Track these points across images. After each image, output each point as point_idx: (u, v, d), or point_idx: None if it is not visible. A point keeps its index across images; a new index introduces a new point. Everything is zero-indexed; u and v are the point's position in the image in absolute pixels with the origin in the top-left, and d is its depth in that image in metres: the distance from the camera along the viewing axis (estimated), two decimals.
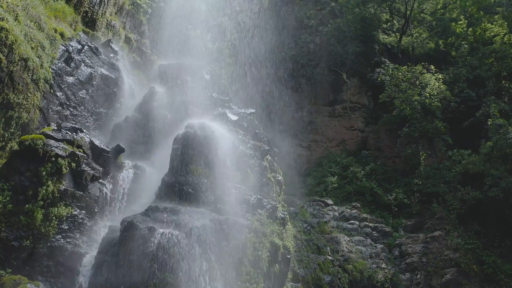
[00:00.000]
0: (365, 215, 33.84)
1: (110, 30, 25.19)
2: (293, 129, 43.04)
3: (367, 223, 32.80)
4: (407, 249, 29.78)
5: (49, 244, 15.28)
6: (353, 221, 32.87)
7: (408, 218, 33.12)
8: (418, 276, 27.91)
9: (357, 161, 39.17)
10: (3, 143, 16.85)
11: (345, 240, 29.60)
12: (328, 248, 28.25)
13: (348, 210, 34.39)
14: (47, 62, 19.01)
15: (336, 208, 34.83)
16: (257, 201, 18.32)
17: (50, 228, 15.41)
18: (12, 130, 17.13)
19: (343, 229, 31.79)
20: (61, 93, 19.84)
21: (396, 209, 33.97)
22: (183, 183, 16.53)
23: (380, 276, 27.28)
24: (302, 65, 44.02)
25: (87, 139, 17.87)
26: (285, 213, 21.48)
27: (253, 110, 23.83)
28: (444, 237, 29.45)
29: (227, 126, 19.69)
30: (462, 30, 43.75)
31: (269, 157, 22.30)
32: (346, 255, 27.99)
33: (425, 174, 34.35)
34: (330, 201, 35.50)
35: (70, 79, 20.45)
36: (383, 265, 28.32)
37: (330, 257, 27.16)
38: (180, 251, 14.25)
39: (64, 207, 15.90)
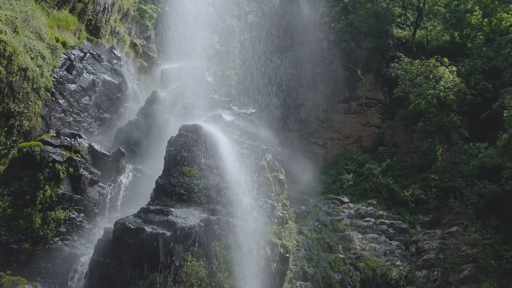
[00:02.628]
0: (381, 212, 33.51)
1: (115, 36, 25.77)
2: (308, 128, 42.98)
3: (383, 220, 32.47)
4: (423, 245, 29.40)
5: (47, 246, 15.84)
6: (368, 218, 32.61)
7: (425, 214, 32.66)
8: (435, 272, 27.53)
9: (373, 158, 38.82)
10: (6, 150, 17.55)
11: (358, 238, 29.34)
12: (340, 246, 28.07)
13: (364, 207, 34.13)
14: (48, 71, 19.64)
15: (352, 205, 34.63)
16: (253, 200, 18.43)
17: (48, 231, 15.95)
18: (14, 138, 17.80)
19: (357, 226, 31.54)
20: (63, 100, 20.48)
21: (413, 205, 33.55)
22: (176, 184, 16.80)
23: (394, 273, 26.98)
24: (316, 62, 43.82)
25: (86, 144, 18.37)
26: (284, 212, 21.49)
27: (254, 110, 23.90)
28: (462, 233, 28.93)
29: (221, 127, 19.88)
30: (477, 21, 42.57)
31: (270, 157, 22.33)
32: (358, 253, 27.75)
33: (442, 168, 33.75)
34: (346, 199, 35.28)
35: (72, 87, 21.07)
36: (398, 262, 28.00)
37: (341, 255, 26.99)
38: (168, 251, 14.53)
39: (62, 211, 16.43)
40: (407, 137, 39.01)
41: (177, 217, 15.40)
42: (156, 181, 17.19)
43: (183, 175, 17.05)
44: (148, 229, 14.77)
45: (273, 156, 23.05)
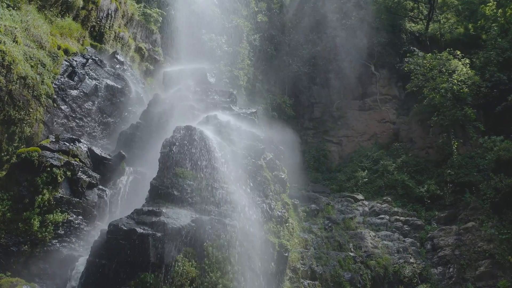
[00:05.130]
0: (396, 209, 33.08)
1: (119, 41, 26.21)
2: (323, 125, 42.83)
3: (397, 217, 32.06)
4: (439, 242, 28.95)
5: (45, 248, 16.28)
6: (383, 216, 32.24)
7: (441, 210, 32.17)
8: (451, 269, 27.08)
9: (388, 154, 38.41)
10: (8, 156, 18.13)
11: (370, 236, 29.02)
12: (351, 244, 27.82)
13: (378, 204, 33.76)
14: (49, 78, 20.16)
15: (366, 203, 34.30)
16: (249, 200, 18.44)
17: (46, 233, 16.39)
18: (16, 144, 18.38)
19: (370, 224, 31.23)
20: (65, 106, 20.97)
21: (429, 201, 33.09)
22: (169, 185, 17.01)
23: (407, 271, 26.63)
24: (329, 60, 43.62)
25: (85, 149, 18.77)
26: (284, 211, 21.40)
27: (254, 110, 23.88)
28: (478, 228, 28.33)
29: (217, 128, 19.95)
30: (491, 12, 41.36)
31: (271, 156, 22.26)
32: (369, 251, 27.44)
33: (457, 163, 33.09)
34: (360, 196, 34.97)
35: (75, 92, 21.56)
36: (412, 260, 27.60)
37: (352, 254, 26.74)
38: (158, 252, 14.73)
39: (60, 214, 16.85)
40: (423, 132, 38.40)
41: (168, 217, 15.58)
42: (151, 183, 17.44)
43: (176, 176, 17.25)
44: (139, 230, 14.98)
45: (275, 155, 22.98)
